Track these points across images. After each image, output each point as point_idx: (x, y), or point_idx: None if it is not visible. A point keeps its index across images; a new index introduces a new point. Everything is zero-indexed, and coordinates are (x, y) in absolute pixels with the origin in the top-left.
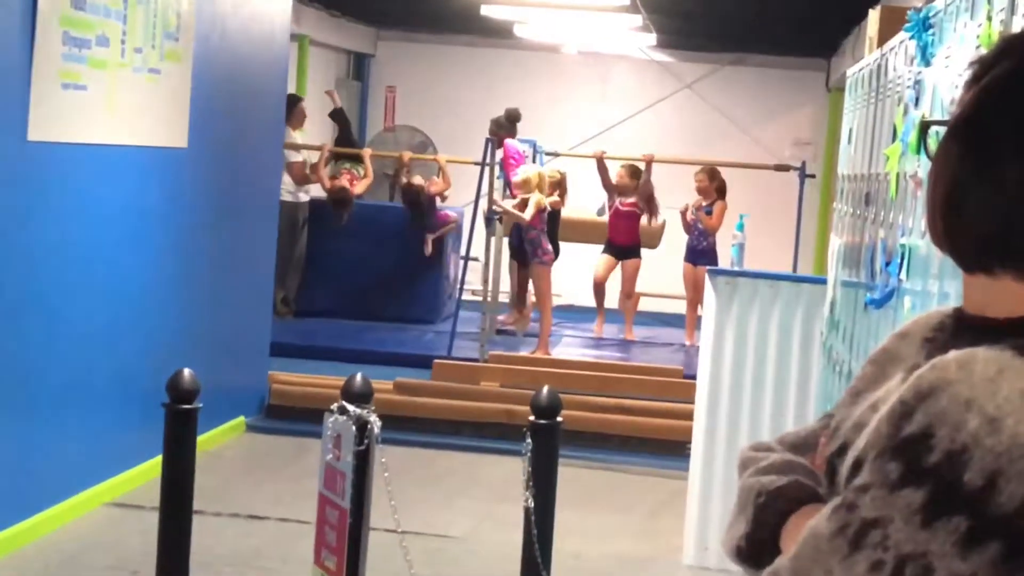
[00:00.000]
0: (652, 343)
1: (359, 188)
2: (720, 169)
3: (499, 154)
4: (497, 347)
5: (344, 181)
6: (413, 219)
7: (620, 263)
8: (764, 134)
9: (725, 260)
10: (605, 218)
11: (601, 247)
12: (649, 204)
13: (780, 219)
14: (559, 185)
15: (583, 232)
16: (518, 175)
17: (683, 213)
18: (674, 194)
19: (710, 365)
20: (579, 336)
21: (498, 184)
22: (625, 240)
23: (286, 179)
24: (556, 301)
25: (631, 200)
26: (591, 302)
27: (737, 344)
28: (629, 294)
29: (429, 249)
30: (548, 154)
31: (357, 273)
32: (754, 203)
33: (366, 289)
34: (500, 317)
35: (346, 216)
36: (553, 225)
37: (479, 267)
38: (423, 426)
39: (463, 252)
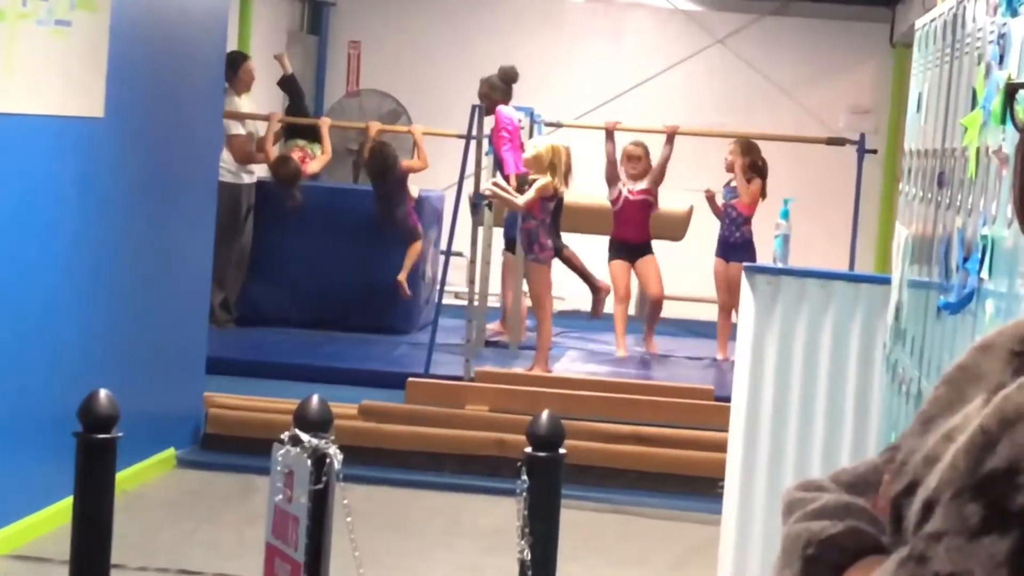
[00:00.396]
0: (676, 357)
1: (313, 167)
2: (759, 143)
3: (488, 124)
4: (486, 362)
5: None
6: (379, 200)
7: (633, 265)
8: (814, 100)
9: (766, 255)
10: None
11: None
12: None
13: (833, 204)
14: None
15: (591, 221)
16: (528, 149)
17: (710, 199)
18: (703, 174)
19: (748, 384)
20: (586, 349)
21: (487, 161)
22: (637, 236)
23: (226, 156)
24: (558, 306)
25: (642, 187)
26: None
27: (781, 358)
28: (658, 299)
29: (406, 291)
30: (548, 125)
31: (313, 272)
32: (801, 185)
33: (324, 292)
34: (490, 325)
35: (299, 195)
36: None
37: (464, 264)
38: (395, 460)
39: (444, 246)
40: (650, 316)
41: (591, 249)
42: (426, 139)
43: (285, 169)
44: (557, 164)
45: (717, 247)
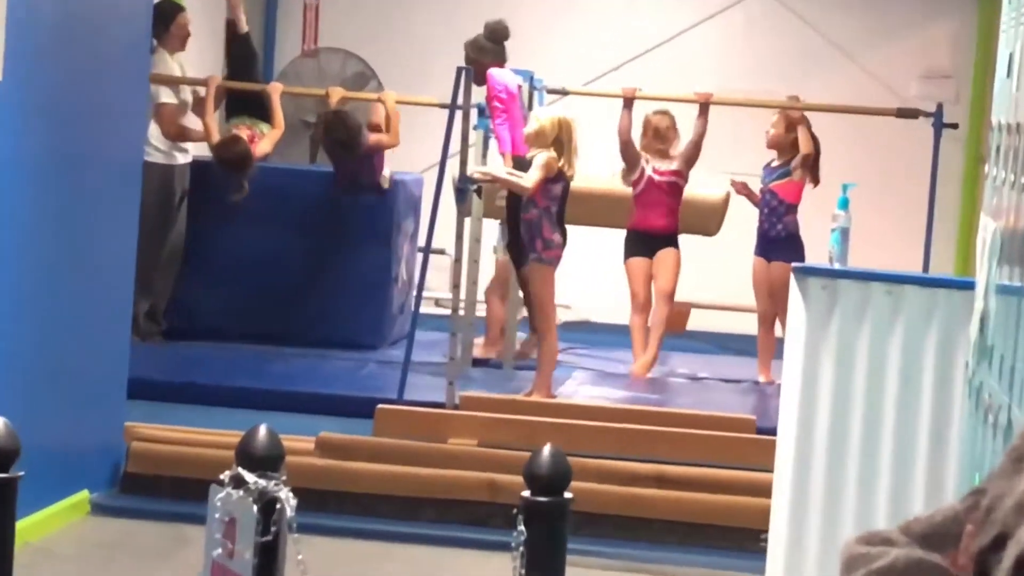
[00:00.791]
0: (708, 379)
1: (263, 147)
2: (811, 115)
3: (478, 93)
4: (473, 386)
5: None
6: (342, 181)
7: (655, 257)
8: (880, 63)
9: (819, 253)
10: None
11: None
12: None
13: (904, 191)
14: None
15: (601, 209)
16: (531, 122)
17: (741, 190)
18: (742, 154)
19: (797, 413)
20: (597, 369)
21: (476, 137)
22: (662, 225)
23: (154, 130)
24: (563, 316)
25: (672, 166)
26: (614, 318)
27: (838, 381)
28: (667, 294)
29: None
30: (551, 93)
31: (261, 273)
32: (864, 167)
33: (275, 298)
34: (479, 340)
35: (247, 185)
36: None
37: (446, 264)
38: (361, 506)
39: (423, 241)
40: (656, 319)
41: (600, 246)
42: (401, 109)
43: (232, 151)
44: (564, 141)
45: (757, 243)
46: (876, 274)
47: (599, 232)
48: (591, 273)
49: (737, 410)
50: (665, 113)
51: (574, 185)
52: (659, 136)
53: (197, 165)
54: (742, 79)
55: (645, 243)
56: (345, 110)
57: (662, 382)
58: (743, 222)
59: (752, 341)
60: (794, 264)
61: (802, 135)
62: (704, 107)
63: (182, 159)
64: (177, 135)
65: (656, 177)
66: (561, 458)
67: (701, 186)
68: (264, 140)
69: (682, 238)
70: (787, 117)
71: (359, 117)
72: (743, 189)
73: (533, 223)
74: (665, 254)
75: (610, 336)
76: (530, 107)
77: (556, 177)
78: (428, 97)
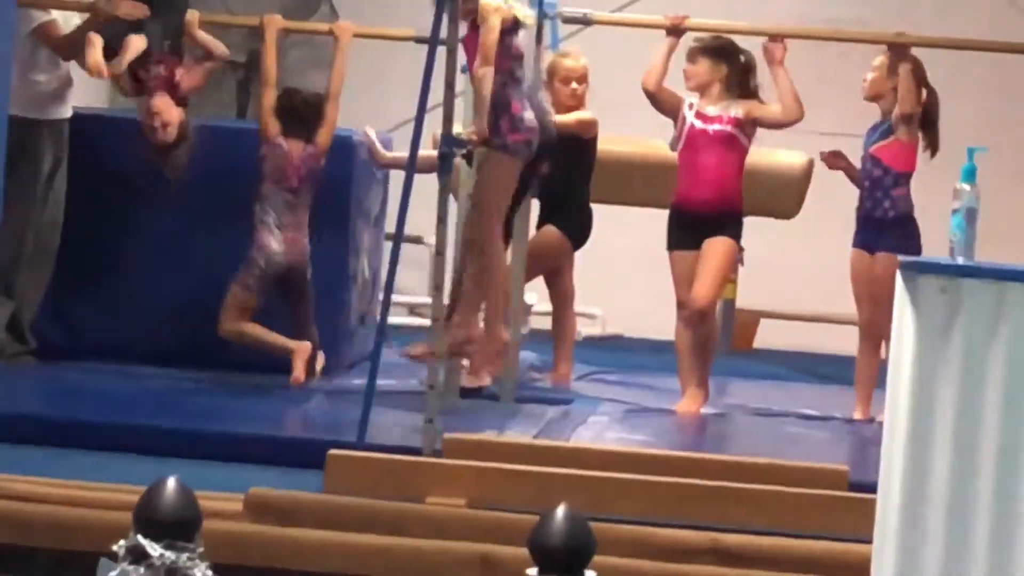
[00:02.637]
0: (782, 416)
1: (191, 81)
2: (922, 55)
3: (462, 29)
4: (461, 424)
5: (160, 77)
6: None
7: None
8: None
9: (937, 243)
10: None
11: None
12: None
13: None
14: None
15: (637, 183)
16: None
17: (834, 162)
18: (831, 107)
19: (906, 460)
20: (629, 402)
21: (466, 83)
22: (709, 197)
23: (16, 64)
24: (587, 330)
25: (728, 112)
26: (656, 332)
27: (961, 417)
28: (705, 308)
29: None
30: (569, 21)
31: (168, 270)
32: (998, 126)
33: (187, 304)
34: (465, 362)
35: (182, 167)
36: (575, 168)
37: (425, 257)
38: None
39: (391, 226)
40: (699, 339)
41: (637, 233)
42: (362, 46)
43: (166, 143)
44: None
45: (856, 230)
46: (1015, 271)
47: (636, 214)
48: (624, 271)
49: (824, 459)
50: (712, 41)
51: (605, 147)
52: (703, 68)
53: (83, 121)
54: (824, 7)
55: (690, 228)
56: (297, 89)
57: (720, 420)
58: (833, 200)
59: (847, 363)
60: (902, 258)
61: (903, 83)
62: (775, 46)
63: (56, 112)
64: (71, 43)
65: (699, 124)
66: (581, 524)
67: (774, 150)
68: (191, 74)
69: (749, 222)
70: (894, 57)
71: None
72: (837, 160)
73: (497, 97)
74: (711, 247)
75: (650, 357)
76: (539, 41)
77: (511, 27)
78: (399, 29)
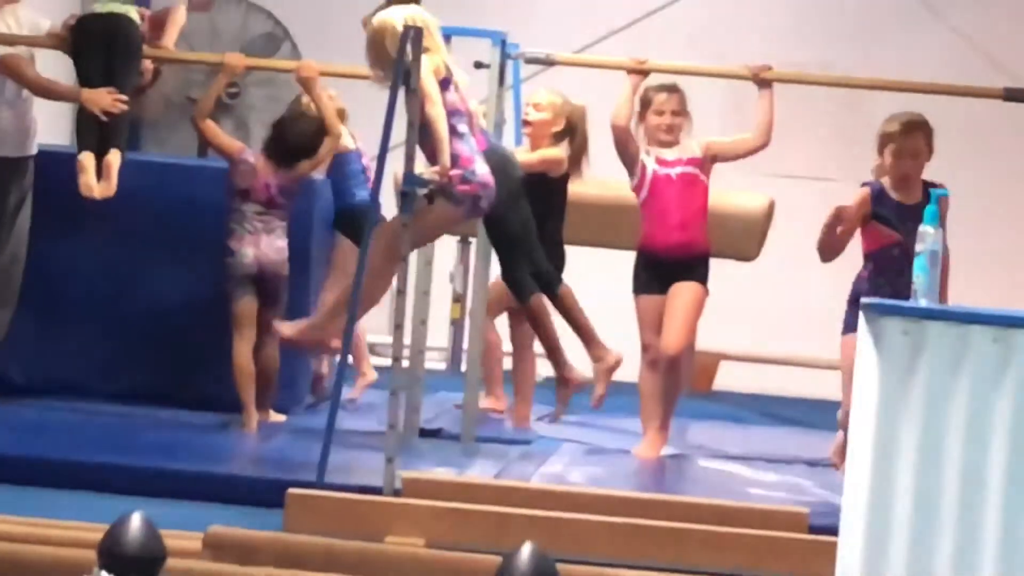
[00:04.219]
0: (739, 458)
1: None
2: (884, 98)
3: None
4: (420, 463)
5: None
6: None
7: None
8: (980, 26)
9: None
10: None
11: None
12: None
13: (1015, 200)
14: (570, 131)
15: (600, 225)
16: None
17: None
18: (792, 150)
19: (867, 504)
20: (592, 443)
21: None
22: (675, 240)
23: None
24: (545, 371)
25: (685, 154)
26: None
27: (923, 459)
28: (676, 355)
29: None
30: (532, 61)
31: (129, 307)
32: (961, 169)
33: (148, 341)
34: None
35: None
36: (544, 208)
37: (385, 297)
38: None
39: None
40: (663, 386)
41: (600, 274)
42: (320, 83)
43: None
44: (576, 125)
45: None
46: (978, 314)
47: (595, 255)
48: (589, 311)
49: (783, 501)
50: (674, 90)
51: (579, 191)
52: (665, 121)
53: (44, 158)
54: (791, 48)
55: (657, 271)
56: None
57: (679, 462)
58: (793, 243)
59: (806, 406)
60: (866, 300)
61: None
62: (761, 82)
63: (16, 150)
64: (46, 87)
65: (662, 170)
66: (545, 563)
67: (736, 192)
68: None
69: (711, 263)
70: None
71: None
72: (839, 220)
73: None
74: (679, 292)
75: (610, 399)
76: (501, 82)
77: (443, 82)
78: (362, 67)
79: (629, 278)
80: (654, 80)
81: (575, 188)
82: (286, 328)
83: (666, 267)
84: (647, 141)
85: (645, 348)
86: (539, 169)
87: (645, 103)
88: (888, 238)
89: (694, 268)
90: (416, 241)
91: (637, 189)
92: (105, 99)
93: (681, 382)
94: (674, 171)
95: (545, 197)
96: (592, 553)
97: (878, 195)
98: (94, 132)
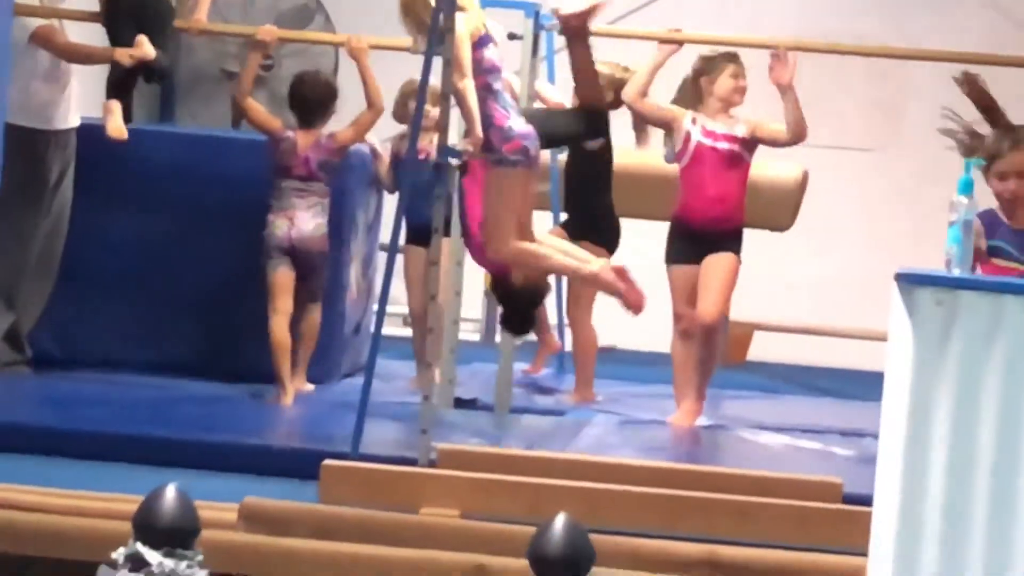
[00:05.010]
0: (774, 428)
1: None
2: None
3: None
4: (455, 435)
5: None
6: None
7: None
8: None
9: (931, 255)
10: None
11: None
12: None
13: None
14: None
15: (631, 194)
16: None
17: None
18: (824, 120)
19: (901, 474)
20: (626, 414)
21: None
22: (714, 213)
23: (21, 81)
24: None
25: (733, 131)
26: (649, 344)
27: (957, 429)
28: (713, 324)
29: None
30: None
31: (165, 280)
32: None
33: (184, 314)
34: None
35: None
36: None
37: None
38: None
39: (386, 235)
40: (700, 355)
41: (629, 243)
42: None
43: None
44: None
45: None
46: (1011, 284)
47: (625, 226)
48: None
49: (818, 471)
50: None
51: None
52: (738, 80)
53: (88, 131)
54: (823, 18)
55: (691, 242)
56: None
57: (714, 432)
58: (827, 212)
59: (841, 376)
60: (899, 269)
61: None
62: (782, 72)
63: (61, 122)
64: (80, 52)
65: (707, 141)
66: (579, 534)
67: (769, 161)
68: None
69: (744, 234)
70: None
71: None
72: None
73: (480, 113)
74: (714, 263)
75: (644, 369)
76: (535, 53)
77: (481, 41)
78: (395, 39)
79: (649, 247)
80: (688, 51)
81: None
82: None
83: (700, 238)
84: (707, 109)
85: (677, 318)
86: None
87: (706, 70)
88: (1009, 271)
89: (728, 240)
90: (510, 214)
91: (679, 157)
92: (138, 50)
93: (717, 352)
94: (719, 144)
95: (586, 167)
96: (626, 524)
97: (991, 225)
98: (125, 81)
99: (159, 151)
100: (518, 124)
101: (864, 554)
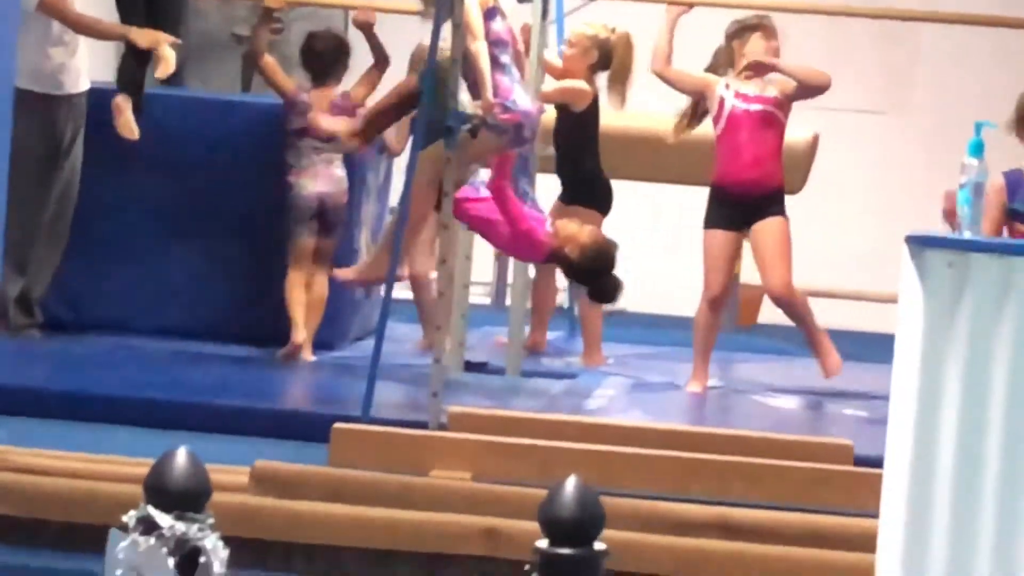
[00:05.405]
0: (785, 391)
1: None
2: (931, 31)
3: None
4: (466, 397)
5: None
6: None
7: (747, 236)
8: None
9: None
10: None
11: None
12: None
13: None
14: (604, 60)
15: (640, 157)
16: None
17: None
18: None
19: (913, 436)
20: (637, 377)
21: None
22: (756, 178)
23: (32, 47)
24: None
25: (765, 92)
26: (660, 307)
27: (968, 392)
28: (785, 293)
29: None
30: None
31: (175, 243)
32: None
33: (193, 277)
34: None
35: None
36: (584, 145)
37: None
38: (313, 560)
39: (395, 199)
40: (798, 323)
41: (640, 206)
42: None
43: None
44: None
45: None
46: (1023, 246)
47: (633, 188)
48: (628, 246)
49: (829, 433)
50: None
51: (611, 123)
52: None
53: (97, 96)
54: None
55: (731, 208)
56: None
57: (724, 395)
58: (837, 176)
59: (852, 338)
60: (909, 233)
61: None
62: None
63: (72, 86)
64: (90, 26)
65: (741, 105)
66: (590, 496)
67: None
68: None
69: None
70: None
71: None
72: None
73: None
74: (765, 231)
75: (654, 332)
76: (544, 16)
77: (488, 13)
78: (404, 3)
79: (661, 210)
80: (698, 14)
81: (610, 120)
82: (344, 273)
83: (740, 204)
84: (738, 73)
85: (707, 284)
86: (560, 100)
87: (737, 34)
88: None
89: (770, 203)
90: (460, 170)
91: (715, 122)
92: (155, 35)
93: (803, 315)
94: (752, 107)
95: (574, 131)
96: (637, 486)
97: (1014, 184)
98: (135, 77)
99: (170, 115)
100: (522, 100)
101: (875, 516)
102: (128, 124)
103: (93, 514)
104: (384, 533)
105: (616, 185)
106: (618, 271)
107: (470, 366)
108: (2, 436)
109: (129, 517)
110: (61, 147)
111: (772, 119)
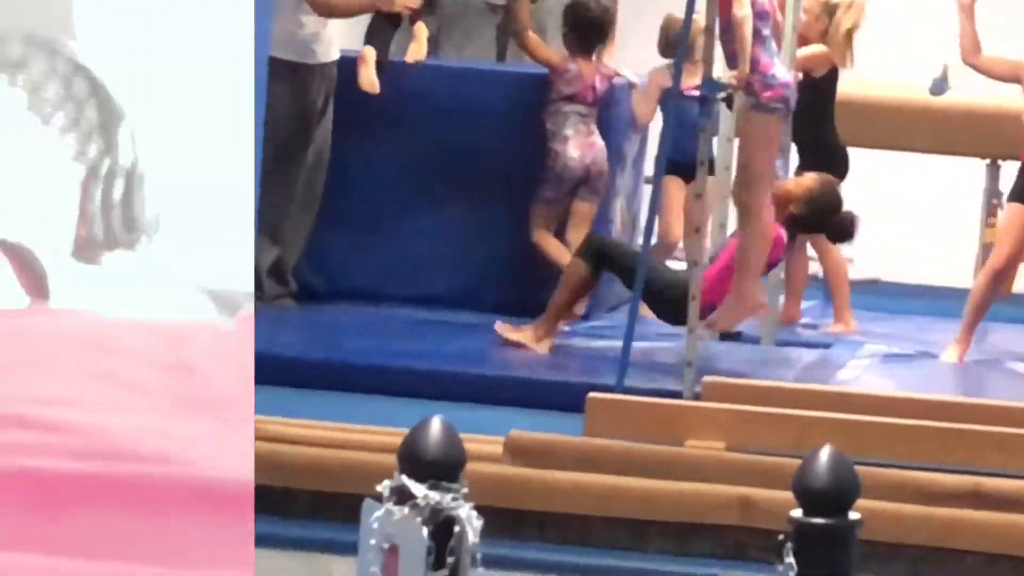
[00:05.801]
0: None
1: None
2: None
3: None
4: (721, 367)
5: None
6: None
7: None
8: None
9: None
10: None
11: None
12: None
13: None
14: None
15: (891, 125)
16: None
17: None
18: None
19: None
20: (889, 348)
21: None
22: None
23: (285, 8)
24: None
25: None
26: (917, 277)
27: None
28: None
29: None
30: None
31: (426, 214)
32: None
33: (444, 247)
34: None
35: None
36: (820, 112)
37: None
38: (567, 530)
39: (650, 168)
40: (991, 297)
41: (894, 175)
42: None
43: None
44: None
45: None
46: None
47: (887, 157)
48: (880, 214)
49: None
50: None
51: (850, 92)
52: None
53: (347, 65)
54: None
55: None
56: None
57: (982, 366)
58: None
59: None
60: None
61: None
62: None
63: (324, 55)
64: (324, 10)
65: None
66: (845, 465)
67: None
68: None
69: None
70: None
71: None
72: None
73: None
74: None
75: (909, 301)
76: None
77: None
78: None
79: (910, 177)
80: None
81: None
82: (511, 334)
83: None
84: None
85: (996, 255)
86: (803, 68)
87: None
88: None
89: None
90: (766, 160)
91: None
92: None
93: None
94: None
95: (812, 97)
96: (892, 456)
97: None
98: (384, 34)
99: (423, 83)
100: (781, 72)
101: None
102: (369, 77)
103: (346, 484)
104: (638, 503)
105: (863, 153)
106: (873, 240)
107: (724, 336)
108: (257, 406)
109: (383, 487)
110: (313, 116)
111: None
